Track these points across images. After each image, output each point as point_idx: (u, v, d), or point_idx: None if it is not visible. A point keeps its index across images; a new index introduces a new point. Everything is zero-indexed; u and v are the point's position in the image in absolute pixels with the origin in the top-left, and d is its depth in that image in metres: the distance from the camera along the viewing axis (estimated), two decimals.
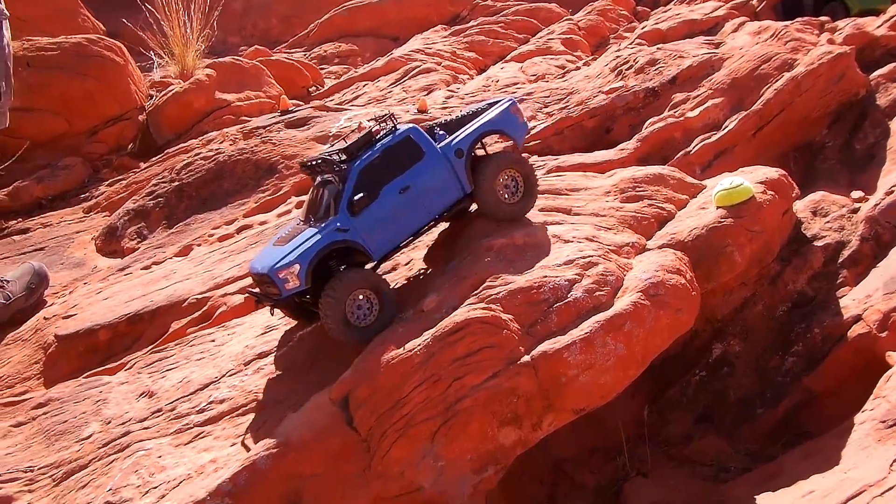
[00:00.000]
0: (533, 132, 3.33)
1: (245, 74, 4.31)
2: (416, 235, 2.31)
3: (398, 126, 2.33)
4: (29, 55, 3.48)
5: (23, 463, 2.18)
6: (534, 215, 2.45)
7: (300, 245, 2.07)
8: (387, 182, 2.21)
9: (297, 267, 2.04)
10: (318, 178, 2.34)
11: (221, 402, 2.10)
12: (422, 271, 2.43)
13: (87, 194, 3.52)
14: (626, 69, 3.62)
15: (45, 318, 2.74)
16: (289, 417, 1.92)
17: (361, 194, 2.13)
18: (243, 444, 1.93)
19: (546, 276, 2.06)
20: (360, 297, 2.10)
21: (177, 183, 3.29)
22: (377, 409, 1.87)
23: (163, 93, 4.15)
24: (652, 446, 2.34)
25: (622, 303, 2.00)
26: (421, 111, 3.57)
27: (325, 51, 6.06)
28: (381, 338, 2.00)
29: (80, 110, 3.81)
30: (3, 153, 3.51)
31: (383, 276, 2.24)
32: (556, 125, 3.35)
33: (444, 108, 3.74)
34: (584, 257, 2.14)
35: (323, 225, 2.11)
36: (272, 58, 4.88)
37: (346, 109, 3.74)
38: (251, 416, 2.03)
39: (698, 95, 3.32)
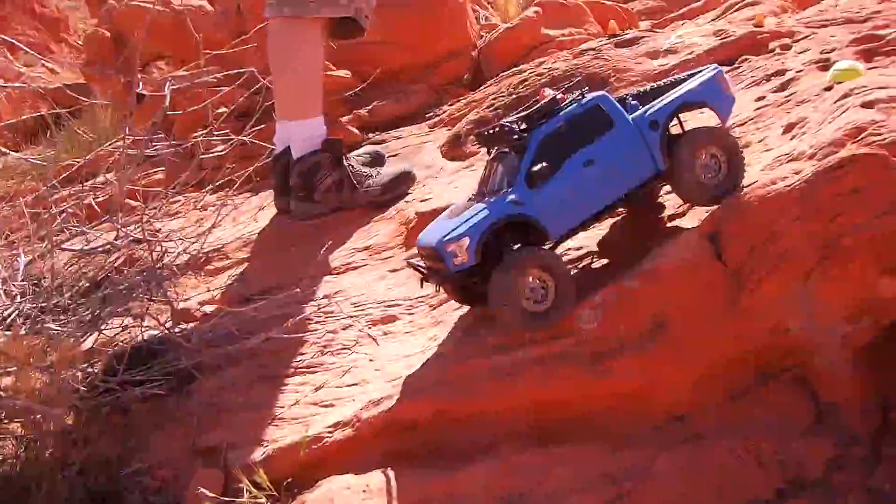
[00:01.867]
0: None
1: (568, 14, 4.57)
2: (599, 217, 2.11)
3: (586, 94, 2.14)
4: None
5: (402, 294, 2.57)
6: None
7: (471, 217, 1.96)
8: (570, 154, 2.03)
9: (466, 240, 1.91)
10: (494, 151, 2.21)
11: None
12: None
13: (432, 113, 3.99)
14: None
15: (405, 202, 3.18)
16: (659, 248, 2.02)
17: (541, 165, 1.98)
18: None
19: None
20: (534, 278, 1.94)
21: (514, 96, 3.59)
22: (749, 241, 1.90)
23: (492, 32, 4.54)
24: None
25: None
26: (758, 26, 3.48)
27: (633, 8, 6.15)
28: (755, 177, 2.01)
29: (424, 45, 4.32)
30: (363, 79, 4.10)
31: (560, 257, 2.10)
32: None
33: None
34: None
35: (499, 196, 2.00)
36: None
37: (677, 28, 3.78)
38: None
39: None
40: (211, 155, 3.67)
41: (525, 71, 3.73)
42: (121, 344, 2.59)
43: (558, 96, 2.12)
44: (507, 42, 4.31)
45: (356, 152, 3.48)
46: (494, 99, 3.65)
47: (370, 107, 4.03)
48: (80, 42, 11.37)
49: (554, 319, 1.92)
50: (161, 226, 3.53)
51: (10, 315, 2.52)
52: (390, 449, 1.96)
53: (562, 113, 2.05)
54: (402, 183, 3.29)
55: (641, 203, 2.25)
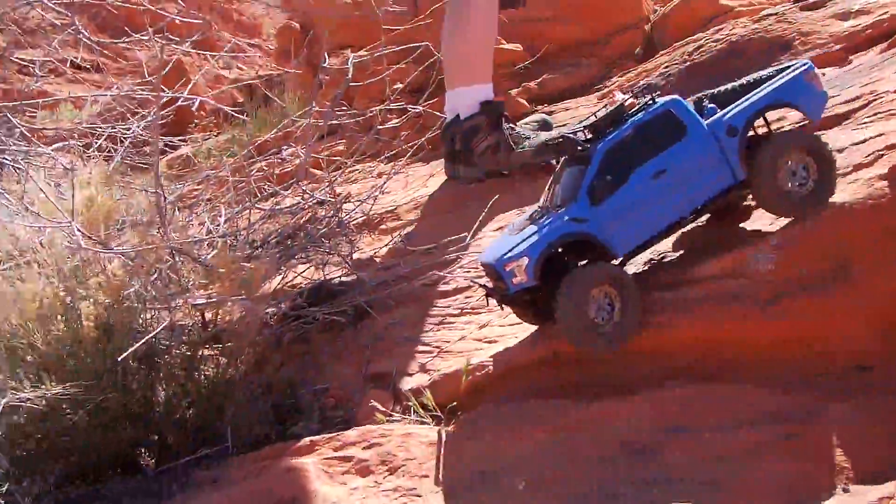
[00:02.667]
0: None
1: None
2: (670, 231, 1.96)
3: (657, 98, 1.98)
4: None
5: None
6: None
7: (530, 236, 1.89)
8: (638, 165, 1.89)
9: (524, 260, 1.85)
10: (560, 162, 2.10)
11: None
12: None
13: (601, 86, 3.98)
14: None
15: None
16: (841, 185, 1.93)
17: (605, 178, 1.86)
18: None
19: None
20: (601, 294, 1.85)
21: (688, 63, 3.51)
22: None
23: (667, 5, 4.45)
24: None
25: None
26: None
27: None
28: None
29: (596, 19, 4.32)
30: (534, 53, 4.18)
31: (628, 272, 1.97)
32: None
33: None
34: None
35: (558, 213, 1.90)
36: None
37: None
38: None
39: None
40: (387, 126, 3.92)
41: (701, 39, 3.64)
42: (303, 286, 2.85)
43: (627, 101, 1.98)
44: (683, 13, 4.20)
45: (525, 120, 3.56)
46: (667, 67, 3.59)
47: (539, 80, 4.10)
48: (270, 46, 12.46)
49: (623, 336, 1.85)
50: (340, 190, 3.81)
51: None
52: (550, 380, 2.01)
53: (629, 121, 1.92)
54: (557, 147, 3.33)
55: (724, 212, 2.09)
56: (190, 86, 3.75)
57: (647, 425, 1.75)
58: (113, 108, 4.77)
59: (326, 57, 4.43)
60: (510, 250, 1.89)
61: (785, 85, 1.96)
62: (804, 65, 2.01)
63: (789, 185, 1.90)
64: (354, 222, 3.39)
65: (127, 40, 4.35)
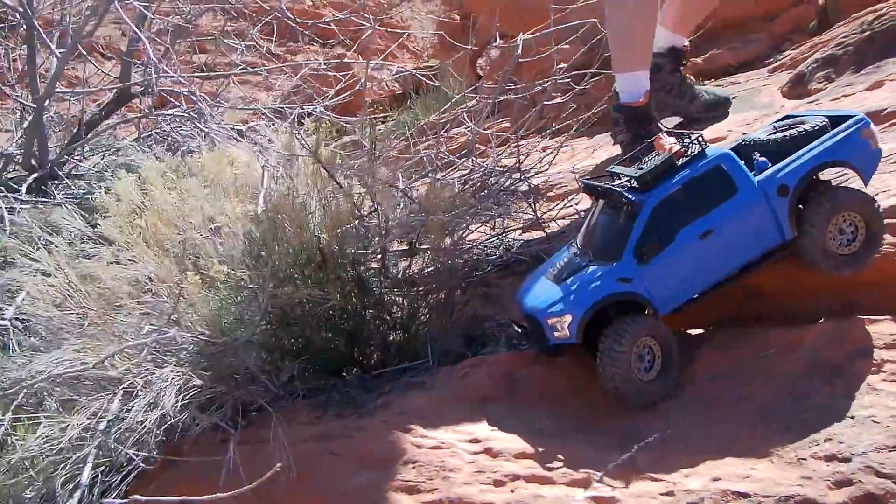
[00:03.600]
0: None
1: None
2: (714, 289, 1.94)
3: (706, 149, 1.94)
4: None
5: None
6: None
7: (574, 291, 1.91)
8: (685, 223, 1.87)
9: (568, 318, 1.88)
10: (601, 201, 2.09)
11: None
12: None
13: (772, 59, 4.01)
14: None
15: (728, 131, 3.30)
16: None
17: (653, 239, 1.86)
18: None
19: None
20: (643, 348, 1.88)
21: (868, 33, 3.48)
22: None
23: None
24: None
25: None
26: None
27: None
28: None
29: None
30: (699, 29, 4.25)
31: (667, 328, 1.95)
32: None
33: None
34: None
35: (603, 269, 1.90)
36: None
37: None
38: None
39: None
40: (552, 103, 4.13)
41: (883, 8, 3.59)
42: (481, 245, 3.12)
43: (674, 150, 1.93)
44: None
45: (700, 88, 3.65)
46: (844, 38, 3.57)
47: (706, 55, 4.17)
48: (417, 48, 13.05)
49: (662, 391, 1.89)
50: (508, 162, 4.06)
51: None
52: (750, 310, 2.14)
53: (678, 176, 1.89)
54: (720, 107, 3.46)
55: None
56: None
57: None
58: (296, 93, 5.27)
59: (497, 37, 4.72)
60: (553, 304, 1.92)
61: (840, 142, 1.91)
62: (861, 120, 1.95)
63: (835, 245, 1.90)
64: (522, 190, 3.62)
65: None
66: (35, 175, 3.20)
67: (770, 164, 1.94)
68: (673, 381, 1.92)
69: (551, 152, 3.68)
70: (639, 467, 1.69)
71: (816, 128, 1.98)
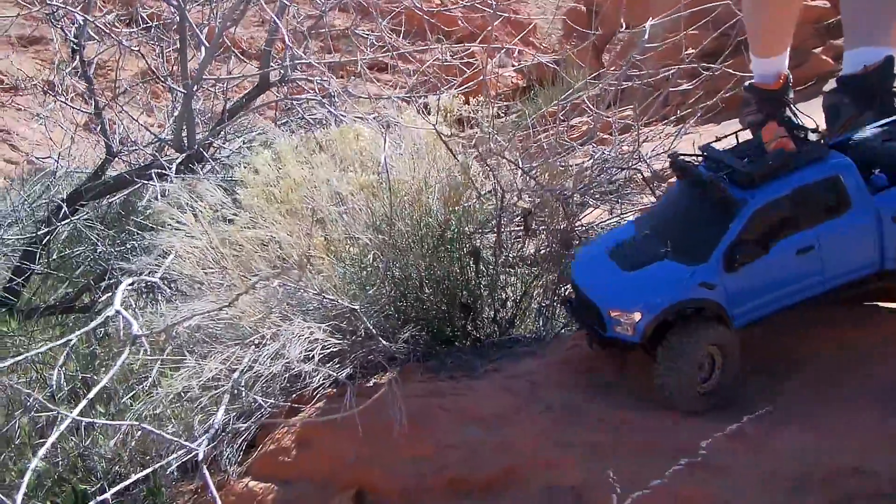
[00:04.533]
0: None
1: None
2: (794, 308, 1.72)
3: (823, 154, 1.69)
4: None
5: None
6: None
7: (647, 286, 1.71)
8: (785, 234, 1.65)
9: (637, 316, 1.68)
10: (690, 182, 1.84)
11: None
12: None
13: None
14: None
15: None
16: None
17: (748, 248, 1.63)
18: None
19: None
20: (706, 356, 1.71)
21: None
22: None
23: None
24: None
25: None
26: None
27: None
28: None
29: None
30: (839, 10, 4.05)
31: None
32: None
33: None
34: None
35: (684, 269, 1.68)
36: None
37: None
38: None
39: None
40: (677, 90, 4.06)
41: None
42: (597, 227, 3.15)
43: (783, 146, 1.74)
44: None
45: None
46: None
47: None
48: (543, 44, 13.08)
49: (720, 397, 1.75)
50: (628, 148, 4.04)
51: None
52: None
53: (789, 178, 1.66)
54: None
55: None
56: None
57: None
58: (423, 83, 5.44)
59: (624, 25, 4.70)
60: (621, 295, 1.74)
61: None
62: None
63: None
64: (645, 175, 3.60)
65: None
66: (184, 156, 3.52)
67: (887, 182, 1.72)
68: (729, 389, 1.77)
69: (673, 137, 3.63)
70: (749, 436, 1.67)
71: None
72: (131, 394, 2.49)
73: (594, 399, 1.91)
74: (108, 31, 4.33)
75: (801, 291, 1.72)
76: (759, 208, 1.66)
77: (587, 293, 1.83)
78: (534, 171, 3.01)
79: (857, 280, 1.73)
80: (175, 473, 2.19)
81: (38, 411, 2.76)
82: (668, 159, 1.96)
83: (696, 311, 1.70)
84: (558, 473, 1.74)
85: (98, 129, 4.31)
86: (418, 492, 1.79)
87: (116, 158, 4.29)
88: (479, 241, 2.52)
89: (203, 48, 3.54)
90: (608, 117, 4.19)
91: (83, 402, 1.83)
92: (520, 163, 2.68)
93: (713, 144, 1.94)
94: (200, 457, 1.66)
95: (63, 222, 4.10)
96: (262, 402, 2.03)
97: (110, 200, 4.52)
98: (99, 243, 4.44)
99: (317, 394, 2.06)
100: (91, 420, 2.15)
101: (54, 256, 4.34)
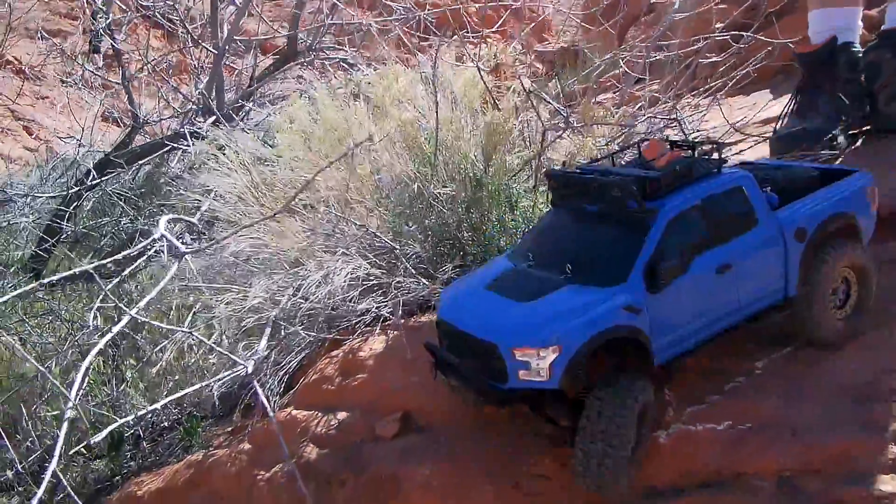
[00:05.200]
0: None
1: None
2: (711, 342, 1.54)
3: (723, 163, 1.59)
4: None
5: None
6: None
7: (560, 314, 1.39)
8: (701, 249, 1.49)
9: (551, 352, 1.34)
10: (582, 204, 1.60)
11: None
12: None
13: None
14: None
15: None
16: None
17: (671, 259, 1.43)
18: None
19: None
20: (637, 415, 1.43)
21: None
22: None
23: None
24: None
25: None
26: None
27: None
28: None
29: None
30: None
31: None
32: None
33: None
34: None
35: (599, 293, 1.41)
36: None
37: None
38: None
39: None
40: (706, 62, 4.05)
41: None
42: None
43: (675, 154, 1.60)
44: None
45: None
46: None
47: None
48: (560, 42, 13.10)
49: (631, 472, 1.47)
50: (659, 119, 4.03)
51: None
52: None
53: (696, 184, 1.54)
54: None
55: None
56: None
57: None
58: None
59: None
60: (527, 329, 1.38)
61: (852, 196, 1.66)
62: (865, 177, 1.71)
63: (834, 304, 1.64)
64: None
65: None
66: (214, 117, 3.53)
67: (777, 200, 1.65)
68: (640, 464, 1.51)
69: (703, 111, 3.63)
70: (803, 358, 1.66)
71: (813, 175, 1.74)
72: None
73: None
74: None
75: (720, 320, 1.55)
76: (672, 217, 1.49)
77: (475, 333, 1.46)
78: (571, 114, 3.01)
79: (767, 308, 1.61)
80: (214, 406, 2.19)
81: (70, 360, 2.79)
82: (546, 174, 1.74)
83: (611, 348, 1.42)
84: None
85: (125, 97, 4.33)
86: (459, 414, 1.79)
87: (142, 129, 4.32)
88: (515, 187, 2.52)
89: (234, 5, 3.55)
90: (635, 91, 4.19)
91: (134, 310, 1.83)
92: (560, 104, 2.67)
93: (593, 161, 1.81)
94: (250, 370, 1.66)
95: (91, 187, 4.12)
96: (304, 335, 2.03)
97: (136, 173, 4.55)
98: (123, 216, 4.48)
99: (358, 327, 2.06)
100: (144, 321, 2.01)
101: (80, 227, 4.37)
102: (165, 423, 2.61)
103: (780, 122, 2.95)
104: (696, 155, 1.65)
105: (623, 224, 1.49)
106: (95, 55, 7.72)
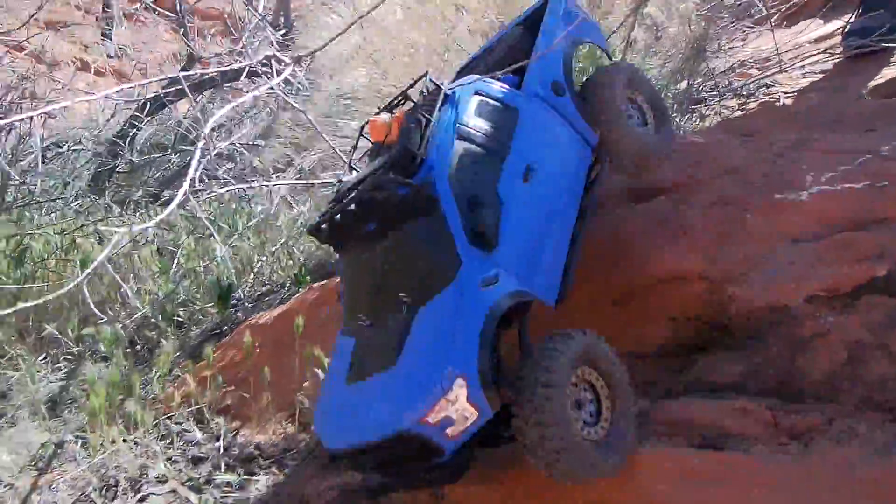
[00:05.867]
0: None
1: None
2: (575, 244, 1.46)
3: (441, 85, 1.49)
4: None
5: None
6: None
7: (434, 345, 1.22)
8: (496, 173, 1.37)
9: (459, 388, 1.14)
10: (360, 230, 1.44)
11: None
12: None
13: None
14: None
15: None
16: None
17: (481, 208, 1.28)
18: None
19: None
20: (582, 386, 1.27)
21: None
22: None
23: None
24: None
25: None
26: None
27: None
28: None
29: None
30: None
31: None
32: None
33: None
34: None
35: (445, 299, 1.24)
36: None
37: None
38: None
39: None
40: None
41: None
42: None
43: (403, 107, 1.54)
44: None
45: None
46: None
47: None
48: None
49: (624, 453, 1.32)
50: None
51: None
52: None
53: (438, 123, 1.38)
54: None
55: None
56: None
57: None
58: None
59: None
60: (416, 392, 1.19)
61: (563, 20, 1.62)
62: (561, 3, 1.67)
63: (637, 125, 1.65)
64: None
65: None
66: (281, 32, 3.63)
67: (517, 79, 1.59)
68: (625, 432, 1.35)
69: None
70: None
71: (517, 32, 1.72)
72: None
73: None
74: None
75: (568, 216, 1.53)
76: (448, 171, 1.38)
77: (375, 437, 1.26)
78: None
79: (588, 174, 1.63)
80: None
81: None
82: (310, 235, 1.60)
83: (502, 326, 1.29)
84: None
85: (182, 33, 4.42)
86: None
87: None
88: None
89: None
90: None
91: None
92: None
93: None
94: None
95: (149, 116, 4.20)
96: None
97: (183, 117, 4.64)
98: (172, 153, 4.57)
99: None
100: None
101: (136, 158, 4.45)
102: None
103: (849, 24, 3.09)
104: (414, 101, 1.53)
105: (411, 217, 1.33)
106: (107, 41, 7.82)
